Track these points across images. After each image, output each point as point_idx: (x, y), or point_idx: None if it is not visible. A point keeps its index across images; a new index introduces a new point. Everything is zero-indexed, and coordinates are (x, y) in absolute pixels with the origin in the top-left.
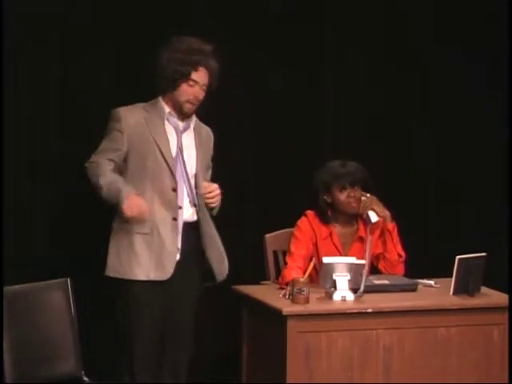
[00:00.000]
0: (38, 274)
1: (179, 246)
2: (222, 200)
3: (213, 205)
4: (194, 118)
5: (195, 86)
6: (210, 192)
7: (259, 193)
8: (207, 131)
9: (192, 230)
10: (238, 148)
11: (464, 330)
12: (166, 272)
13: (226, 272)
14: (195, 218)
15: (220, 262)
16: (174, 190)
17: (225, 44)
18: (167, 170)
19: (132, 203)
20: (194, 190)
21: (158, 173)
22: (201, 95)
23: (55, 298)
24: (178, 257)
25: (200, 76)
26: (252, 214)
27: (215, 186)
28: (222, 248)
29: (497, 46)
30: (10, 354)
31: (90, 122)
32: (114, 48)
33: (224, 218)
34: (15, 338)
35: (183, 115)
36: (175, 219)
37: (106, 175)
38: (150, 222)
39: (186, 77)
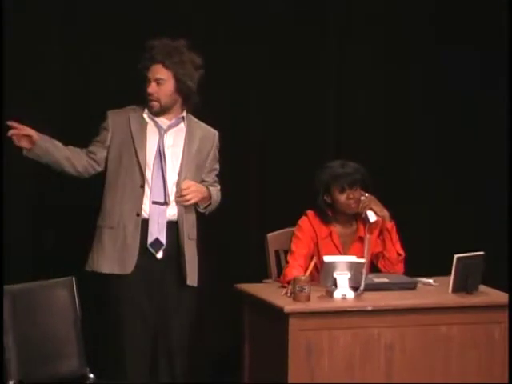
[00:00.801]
0: (43, 272)
1: (163, 241)
2: (224, 200)
3: (186, 203)
4: (188, 119)
5: (149, 82)
6: (181, 190)
7: (261, 194)
8: (207, 133)
9: (173, 230)
10: (242, 150)
11: (465, 328)
12: (127, 266)
13: (196, 279)
14: (175, 218)
15: (192, 268)
16: (142, 186)
17: (225, 46)
18: (137, 166)
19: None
20: (172, 188)
21: (130, 169)
22: (154, 89)
23: (60, 297)
24: (160, 254)
25: (151, 72)
26: (254, 214)
27: (189, 183)
28: (195, 255)
29: (498, 45)
30: (14, 352)
31: (93, 123)
32: (115, 48)
33: (227, 218)
34: (20, 336)
35: (152, 113)
36: (138, 215)
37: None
38: (117, 217)
39: (145, 78)
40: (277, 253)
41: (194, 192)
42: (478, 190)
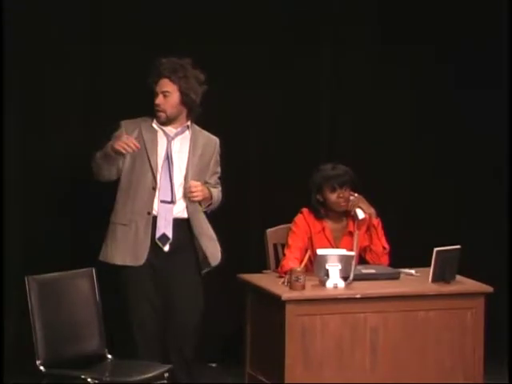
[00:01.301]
0: (67, 263)
1: (169, 235)
2: (228, 199)
3: (193, 199)
4: (193, 128)
5: (157, 95)
6: (190, 187)
7: (261, 194)
8: (209, 140)
9: (181, 226)
10: (245, 154)
11: (441, 313)
12: (139, 259)
13: (219, 256)
14: (185, 215)
15: (213, 249)
16: (154, 188)
17: (226, 48)
18: (150, 170)
19: (120, 141)
20: (178, 189)
21: (142, 172)
22: (160, 101)
23: (82, 285)
24: (167, 247)
25: (158, 86)
26: (255, 211)
27: (196, 183)
28: (214, 237)
29: (498, 46)
30: (41, 334)
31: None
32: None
33: (231, 216)
34: (46, 321)
35: (159, 123)
36: (149, 213)
37: (97, 152)
38: (129, 215)
39: (154, 92)
40: (275, 246)
41: (200, 191)
42: (452, 188)
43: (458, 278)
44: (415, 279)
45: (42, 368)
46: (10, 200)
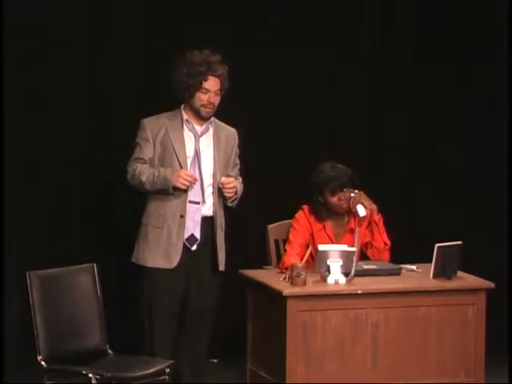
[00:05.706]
0: (69, 259)
1: (197, 236)
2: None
3: (228, 195)
4: (214, 123)
5: (208, 92)
6: (225, 184)
7: (262, 189)
8: (229, 133)
9: (206, 223)
10: (246, 150)
11: (442, 309)
12: (172, 261)
13: (223, 263)
14: (211, 213)
15: (222, 255)
16: (185, 191)
17: (226, 49)
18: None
19: (179, 177)
20: (207, 189)
21: None
22: (215, 99)
23: (83, 281)
24: (195, 247)
25: (211, 84)
26: (256, 208)
27: (231, 179)
28: (223, 243)
29: (496, 44)
30: (43, 330)
31: (118, 120)
32: (140, 52)
33: (232, 212)
34: (48, 316)
35: (202, 119)
36: (182, 216)
37: (144, 173)
38: (161, 217)
39: (198, 87)
40: (276, 242)
41: (234, 187)
42: (462, 184)
43: (460, 273)
44: (416, 275)
45: (43, 363)
46: (10, 196)
